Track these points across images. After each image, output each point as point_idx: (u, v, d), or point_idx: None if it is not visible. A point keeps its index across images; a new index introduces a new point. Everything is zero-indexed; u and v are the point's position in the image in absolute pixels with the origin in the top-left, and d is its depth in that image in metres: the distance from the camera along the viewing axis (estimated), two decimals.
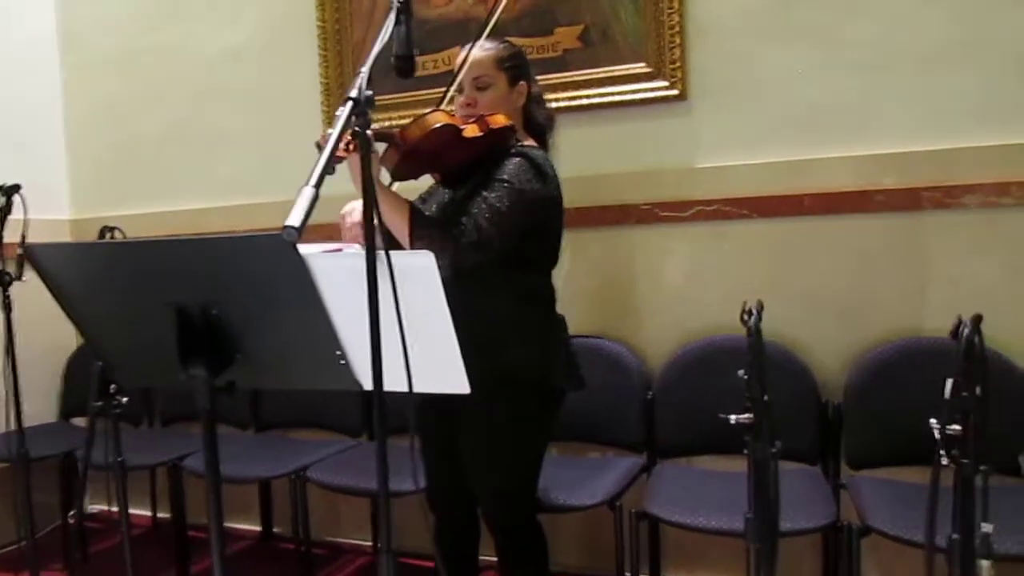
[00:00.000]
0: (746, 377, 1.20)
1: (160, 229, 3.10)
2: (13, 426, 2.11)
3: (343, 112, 1.06)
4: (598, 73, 2.44)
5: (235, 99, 3.01)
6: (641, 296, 2.45)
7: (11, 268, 2.01)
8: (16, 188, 2.03)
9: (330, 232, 1.59)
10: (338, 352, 1.28)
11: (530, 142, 1.83)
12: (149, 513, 3.21)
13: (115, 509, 3.23)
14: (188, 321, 1.26)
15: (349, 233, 1.67)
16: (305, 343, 1.29)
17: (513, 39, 2.49)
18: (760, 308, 1.24)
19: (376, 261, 1.12)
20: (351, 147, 1.32)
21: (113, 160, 3.29)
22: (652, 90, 2.38)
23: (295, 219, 0.91)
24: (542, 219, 1.75)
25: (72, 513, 2.94)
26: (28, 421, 2.98)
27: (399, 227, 1.57)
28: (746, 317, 1.22)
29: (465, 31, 2.60)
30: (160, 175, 3.19)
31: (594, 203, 2.45)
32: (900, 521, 1.81)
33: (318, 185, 0.95)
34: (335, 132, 1.03)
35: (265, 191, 2.82)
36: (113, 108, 3.26)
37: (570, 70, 2.48)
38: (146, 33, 3.17)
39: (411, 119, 1.64)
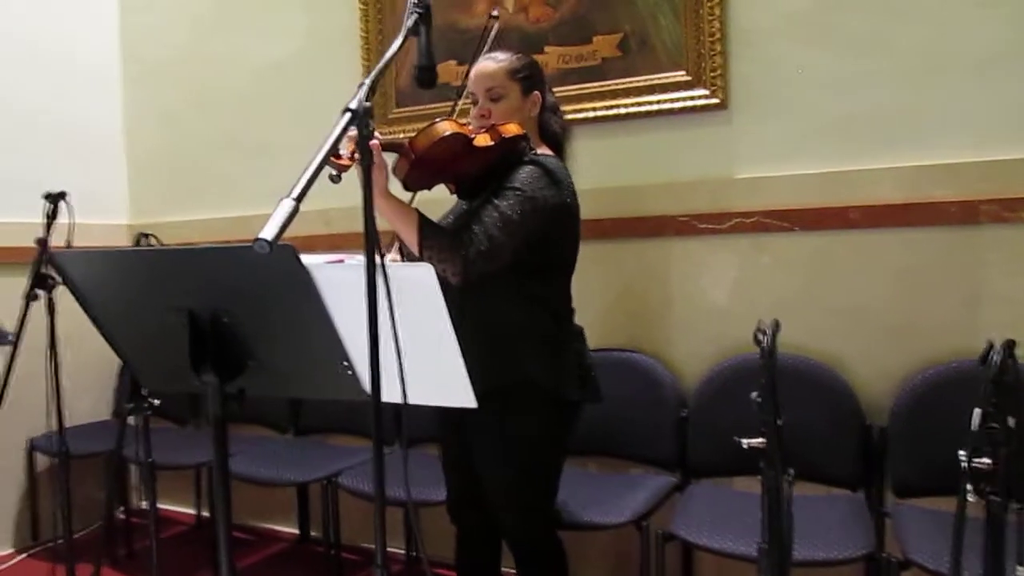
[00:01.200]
0: (759, 400, 1.14)
1: (210, 235, 3.19)
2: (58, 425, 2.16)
3: (340, 123, 1.05)
4: (637, 82, 2.40)
5: (281, 109, 3.07)
6: (677, 310, 2.39)
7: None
8: (62, 195, 2.11)
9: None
10: (345, 362, 1.28)
11: (545, 151, 1.81)
12: (194, 511, 3.28)
13: (163, 506, 3.35)
14: (199, 328, 1.28)
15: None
16: (311, 352, 1.29)
17: (551, 48, 2.51)
18: (776, 327, 1.18)
19: (375, 272, 1.11)
20: (356, 156, 1.30)
21: (167, 168, 3.40)
22: (692, 99, 2.32)
23: (269, 232, 0.90)
24: (555, 227, 1.72)
25: (120, 509, 3.05)
26: (82, 418, 3.13)
27: (408, 236, 1.56)
28: (760, 336, 1.16)
29: (505, 41, 2.59)
30: (211, 182, 3.28)
31: (631, 214, 2.41)
32: (944, 556, 1.70)
33: (299, 198, 0.94)
34: (328, 143, 1.02)
35: (309, 198, 2.85)
36: (168, 118, 3.38)
37: (608, 79, 2.44)
38: (199, 46, 3.27)
39: (420, 129, 1.63)
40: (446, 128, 1.60)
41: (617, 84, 2.42)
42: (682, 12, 2.32)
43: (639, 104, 2.39)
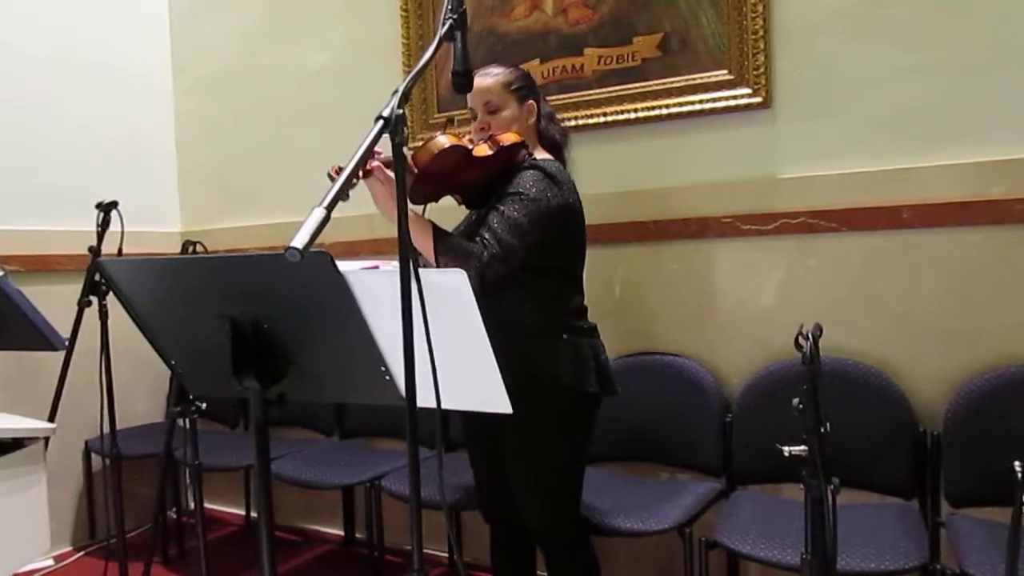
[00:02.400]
0: (801, 407, 1.11)
1: (258, 241, 3.26)
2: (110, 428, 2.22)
3: (372, 131, 1.06)
4: (678, 82, 2.36)
5: (325, 117, 3.12)
6: (720, 313, 2.35)
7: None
8: (114, 204, 2.17)
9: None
10: (383, 368, 1.29)
11: (545, 156, 1.88)
12: (243, 512, 3.35)
13: (214, 507, 3.43)
14: (241, 335, 1.30)
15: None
16: (350, 358, 1.30)
17: (590, 50, 2.50)
18: (818, 332, 1.15)
19: (409, 278, 1.12)
20: (360, 173, 1.37)
21: (216, 176, 3.48)
22: (734, 98, 2.27)
23: (300, 240, 0.91)
24: (560, 227, 1.78)
25: (172, 509, 3.13)
26: (138, 420, 3.23)
27: (423, 245, 1.62)
28: (801, 341, 1.12)
29: (545, 43, 2.59)
30: (258, 190, 3.34)
31: (672, 216, 2.38)
32: (1001, 567, 1.63)
33: (330, 207, 0.95)
34: (360, 151, 1.03)
35: (352, 204, 2.88)
36: (217, 128, 3.46)
37: (649, 79, 2.41)
38: (246, 57, 3.34)
39: (420, 145, 1.69)
40: (444, 141, 1.65)
41: (658, 84, 2.39)
42: (724, 10, 2.28)
43: (680, 104, 2.35)
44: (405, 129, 1.09)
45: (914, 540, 1.83)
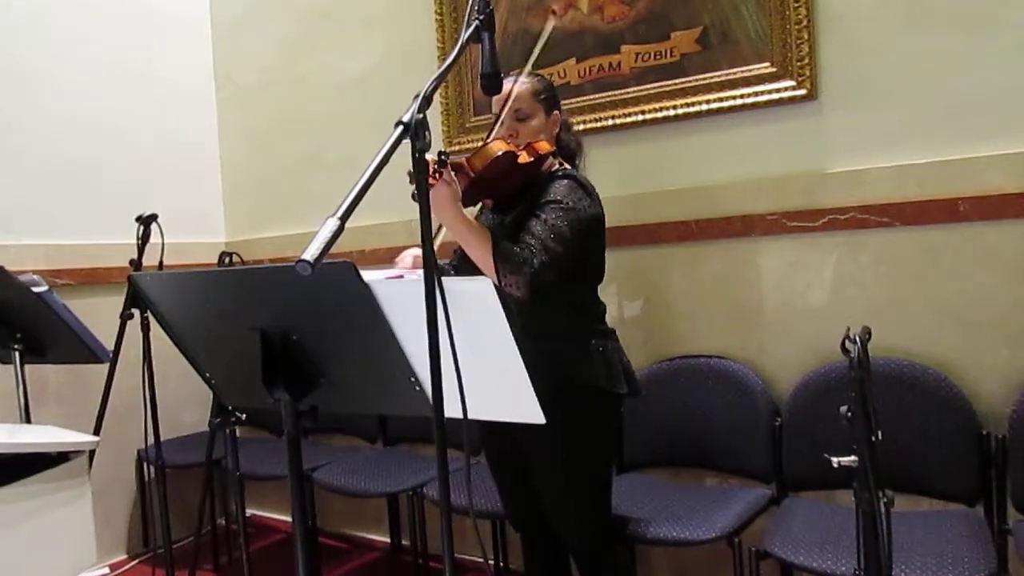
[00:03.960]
0: (849, 415, 1.04)
1: (297, 249, 3.23)
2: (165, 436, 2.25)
3: (391, 136, 1.03)
4: (718, 77, 2.29)
5: (363, 124, 3.12)
6: (767, 314, 2.26)
7: None
8: (154, 217, 2.20)
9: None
10: (412, 378, 1.27)
11: (566, 165, 1.91)
12: (290, 519, 3.37)
13: (263, 513, 3.46)
14: (270, 346, 1.29)
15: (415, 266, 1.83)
16: (379, 368, 1.29)
17: (627, 47, 2.44)
18: (866, 335, 1.08)
19: (435, 287, 1.09)
20: (438, 175, 1.38)
21: (258, 185, 3.52)
22: (777, 91, 2.20)
23: (311, 252, 0.89)
24: (591, 236, 1.81)
25: (222, 517, 3.17)
26: (186, 429, 3.27)
27: (481, 252, 1.62)
28: (848, 346, 1.06)
29: (581, 42, 2.54)
30: (299, 198, 3.37)
31: (715, 214, 2.31)
32: None
33: (344, 217, 0.92)
34: (377, 158, 1.01)
35: (391, 211, 2.88)
36: (259, 138, 3.50)
37: (688, 75, 2.34)
38: (286, 67, 3.37)
39: (474, 151, 1.72)
40: (500, 147, 1.71)
41: (698, 80, 2.33)
42: (766, 1, 2.20)
43: (721, 100, 2.28)
44: (427, 134, 1.06)
45: (979, 549, 1.73)
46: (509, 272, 1.59)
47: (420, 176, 1.06)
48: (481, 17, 1.39)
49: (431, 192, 1.52)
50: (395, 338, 1.21)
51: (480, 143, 1.79)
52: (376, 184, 1.69)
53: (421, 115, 1.05)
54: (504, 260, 1.60)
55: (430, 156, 1.40)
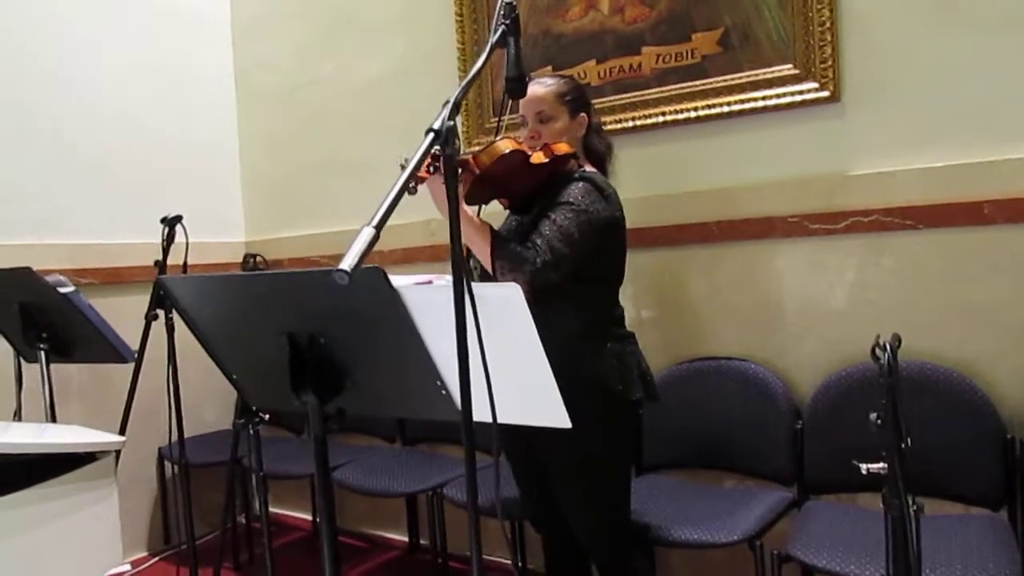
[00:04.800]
0: (879, 422, 1.04)
1: (319, 249, 3.30)
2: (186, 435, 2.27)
3: (423, 144, 1.04)
4: (739, 78, 2.28)
5: (382, 125, 3.14)
6: (789, 316, 2.26)
7: None
8: (178, 219, 2.22)
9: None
10: (439, 383, 1.27)
11: (590, 168, 1.91)
12: (310, 517, 3.39)
13: (282, 511, 3.49)
14: (298, 350, 1.30)
15: None
16: (406, 372, 1.29)
17: (648, 48, 2.44)
18: (896, 343, 1.08)
19: (463, 291, 1.09)
20: (432, 169, 1.35)
21: (278, 186, 3.54)
22: (800, 93, 2.19)
23: (348, 262, 0.90)
24: (607, 239, 1.81)
25: (242, 515, 3.19)
26: (208, 428, 3.30)
27: (480, 248, 1.64)
28: (879, 353, 1.06)
29: (601, 43, 2.54)
30: (318, 199, 3.39)
31: (736, 216, 2.30)
32: None
33: (379, 226, 0.93)
34: (411, 165, 1.01)
35: (409, 212, 2.88)
36: (277, 140, 3.52)
37: (709, 77, 2.34)
38: (305, 70, 3.39)
39: (482, 147, 1.72)
40: (507, 146, 1.69)
41: (719, 82, 2.32)
42: (788, 2, 2.19)
43: (743, 102, 2.27)
44: (456, 140, 1.07)
45: (1004, 554, 1.72)
46: (508, 270, 1.62)
47: (451, 181, 1.07)
48: (507, 22, 1.40)
49: (428, 184, 1.55)
50: (423, 342, 1.21)
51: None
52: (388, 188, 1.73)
53: (452, 122, 1.05)
54: (503, 258, 1.62)
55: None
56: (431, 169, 1.34)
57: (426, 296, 1.17)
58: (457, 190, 1.10)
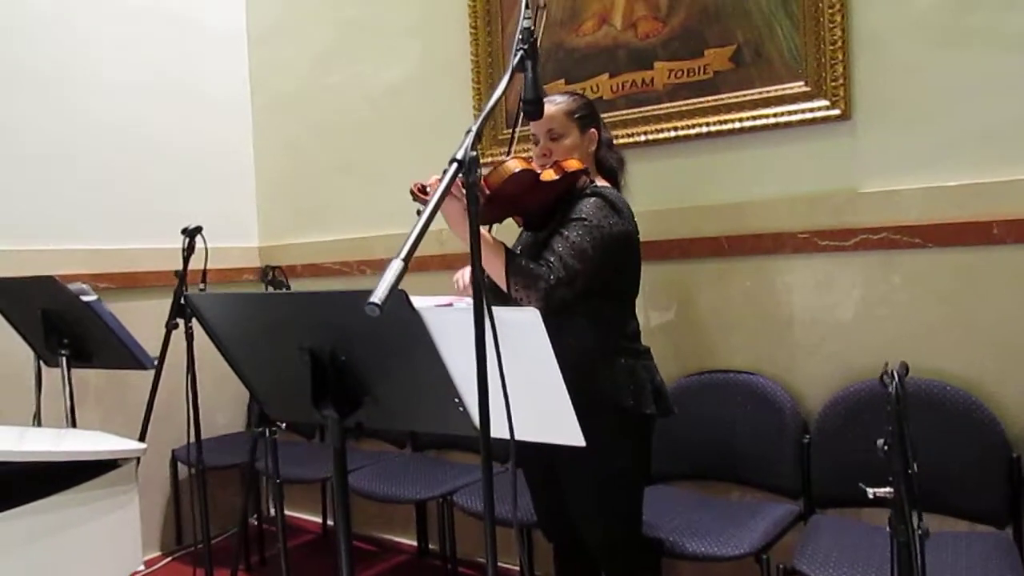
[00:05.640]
0: (886, 448, 1.07)
1: (332, 255, 3.34)
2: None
3: (447, 173, 1.07)
4: (751, 95, 2.31)
5: (396, 133, 3.18)
6: (797, 331, 2.28)
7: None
8: (199, 230, 2.26)
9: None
10: (456, 399, 1.31)
11: (603, 183, 1.94)
12: (320, 520, 3.43)
13: (292, 514, 3.53)
14: (319, 365, 1.34)
15: (465, 292, 1.83)
16: (425, 390, 1.33)
17: (661, 63, 2.47)
18: (904, 371, 1.11)
19: (483, 314, 1.13)
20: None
21: (292, 192, 3.59)
22: (811, 110, 2.21)
23: (380, 295, 0.93)
24: (620, 253, 1.83)
25: (254, 516, 3.24)
26: (222, 430, 3.35)
27: (495, 267, 1.65)
28: (886, 380, 1.09)
29: (614, 58, 2.57)
30: (332, 205, 3.43)
31: (746, 231, 2.33)
32: None
33: (407, 258, 0.96)
34: (436, 194, 1.05)
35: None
36: (293, 145, 3.56)
37: (721, 92, 2.36)
38: (321, 76, 3.43)
39: (491, 168, 1.73)
40: (516, 165, 1.72)
41: (731, 98, 2.35)
42: (800, 20, 2.22)
43: (754, 118, 2.30)
44: (478, 169, 1.10)
45: (1009, 571, 1.74)
46: (521, 287, 1.64)
47: (473, 208, 1.10)
48: (525, 47, 1.43)
49: (443, 209, 1.57)
50: (442, 362, 1.25)
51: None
52: (403, 196, 1.75)
53: (475, 152, 1.08)
54: (516, 275, 1.64)
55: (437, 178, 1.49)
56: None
57: (447, 319, 1.20)
58: (477, 218, 1.13)
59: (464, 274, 1.90)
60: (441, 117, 3.04)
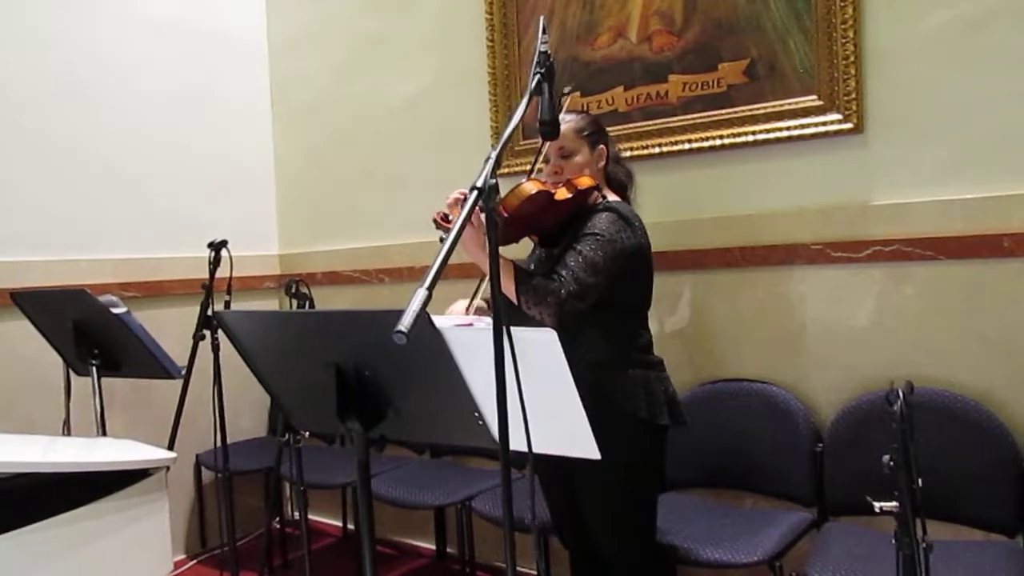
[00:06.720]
0: (892, 464, 1.11)
1: (351, 263, 3.40)
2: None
3: (468, 201, 1.12)
4: (765, 108, 2.34)
5: (414, 143, 3.23)
6: (810, 341, 2.31)
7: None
8: (223, 244, 2.32)
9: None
10: (476, 413, 1.36)
11: (614, 197, 2.00)
12: (341, 524, 3.50)
13: (312, 517, 3.59)
14: (344, 380, 1.39)
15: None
16: (446, 404, 1.38)
17: (675, 77, 2.51)
18: (909, 390, 1.14)
19: (502, 334, 1.18)
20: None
21: (312, 201, 3.65)
22: (824, 124, 2.24)
23: (406, 323, 0.98)
24: (633, 266, 1.87)
25: (276, 520, 3.30)
26: (243, 435, 3.41)
27: (505, 284, 1.69)
28: (892, 399, 1.12)
29: (629, 71, 2.61)
30: (351, 214, 3.49)
31: (760, 242, 2.36)
32: None
33: (431, 287, 1.01)
34: (459, 222, 1.09)
35: (436, 232, 2.99)
36: (312, 155, 3.63)
37: (735, 106, 2.40)
38: (340, 86, 3.49)
39: (508, 191, 1.78)
40: (532, 187, 1.79)
41: (744, 111, 2.38)
42: (814, 35, 2.25)
43: (768, 131, 2.33)
44: (497, 196, 1.15)
45: None
46: (533, 303, 1.69)
47: (492, 234, 1.15)
48: (542, 71, 1.48)
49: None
50: (462, 378, 1.30)
51: (528, 166, 1.92)
52: (427, 202, 1.81)
53: (494, 180, 1.13)
54: (527, 292, 1.69)
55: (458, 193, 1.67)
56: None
57: (468, 337, 1.25)
58: (497, 244, 1.18)
59: (456, 308, 1.94)
60: (458, 128, 3.09)
